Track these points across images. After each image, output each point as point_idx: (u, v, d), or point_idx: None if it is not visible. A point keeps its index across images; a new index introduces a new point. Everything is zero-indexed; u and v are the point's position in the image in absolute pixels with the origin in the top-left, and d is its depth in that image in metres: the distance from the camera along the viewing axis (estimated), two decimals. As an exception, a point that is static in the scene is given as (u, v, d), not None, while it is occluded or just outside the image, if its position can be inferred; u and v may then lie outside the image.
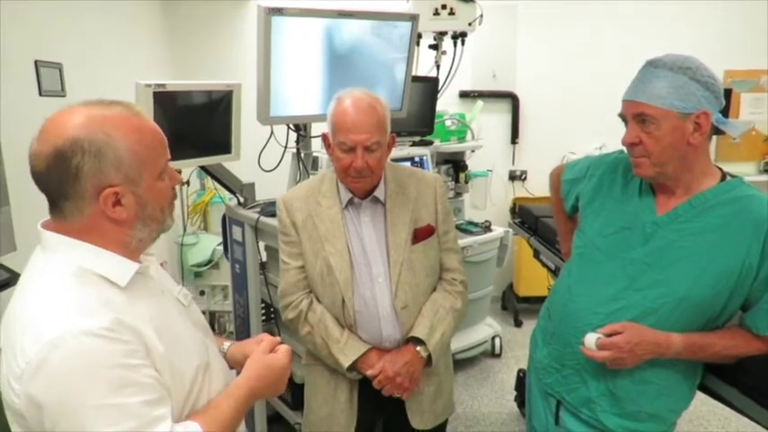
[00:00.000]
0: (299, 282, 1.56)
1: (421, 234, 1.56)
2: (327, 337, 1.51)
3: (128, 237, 0.92)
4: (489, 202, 3.96)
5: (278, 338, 1.16)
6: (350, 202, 1.54)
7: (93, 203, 0.87)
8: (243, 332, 2.47)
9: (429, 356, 1.53)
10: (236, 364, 1.18)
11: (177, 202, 1.07)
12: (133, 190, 0.90)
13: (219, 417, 0.96)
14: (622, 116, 1.31)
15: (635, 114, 1.26)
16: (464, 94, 4.09)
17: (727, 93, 1.32)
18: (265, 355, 1.10)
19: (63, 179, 0.85)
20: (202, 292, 3.49)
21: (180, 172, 1.96)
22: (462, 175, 3.28)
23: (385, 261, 1.52)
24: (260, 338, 1.16)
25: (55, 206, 0.89)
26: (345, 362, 1.49)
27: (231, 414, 0.98)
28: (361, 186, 1.51)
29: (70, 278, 0.86)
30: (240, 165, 2.18)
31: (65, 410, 0.78)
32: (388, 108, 1.48)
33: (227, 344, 1.23)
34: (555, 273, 2.38)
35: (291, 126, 2.24)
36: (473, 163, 3.55)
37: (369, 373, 1.50)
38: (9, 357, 0.82)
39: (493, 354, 3.54)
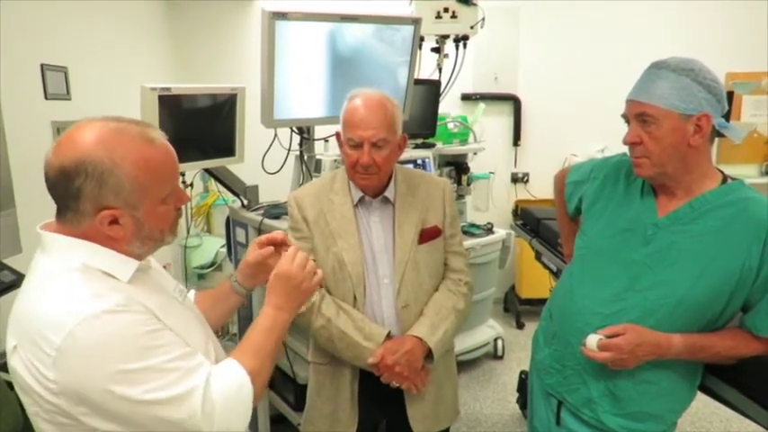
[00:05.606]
0: None
1: (427, 235, 1.57)
2: (349, 324, 1.49)
3: (124, 251, 0.95)
4: (491, 204, 3.97)
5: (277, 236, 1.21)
6: (361, 200, 1.55)
7: (91, 219, 0.90)
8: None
9: (431, 351, 1.52)
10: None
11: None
12: (132, 213, 0.92)
13: (251, 347, 1.02)
14: (625, 116, 1.32)
15: (637, 114, 1.27)
16: (466, 97, 4.11)
17: (729, 95, 1.33)
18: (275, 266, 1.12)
19: (65, 194, 0.89)
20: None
21: (183, 174, 2.00)
22: (464, 178, 3.29)
23: (391, 263, 1.54)
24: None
25: (60, 211, 0.93)
26: (372, 346, 1.48)
27: (262, 340, 1.04)
28: (369, 183, 1.52)
29: (76, 273, 0.89)
30: (244, 167, 2.20)
31: (107, 385, 0.82)
32: (399, 108, 1.51)
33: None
34: (556, 274, 2.39)
35: (295, 129, 2.26)
36: (475, 165, 3.57)
37: (369, 360, 1.49)
38: (31, 353, 0.84)
39: (495, 356, 3.55)
